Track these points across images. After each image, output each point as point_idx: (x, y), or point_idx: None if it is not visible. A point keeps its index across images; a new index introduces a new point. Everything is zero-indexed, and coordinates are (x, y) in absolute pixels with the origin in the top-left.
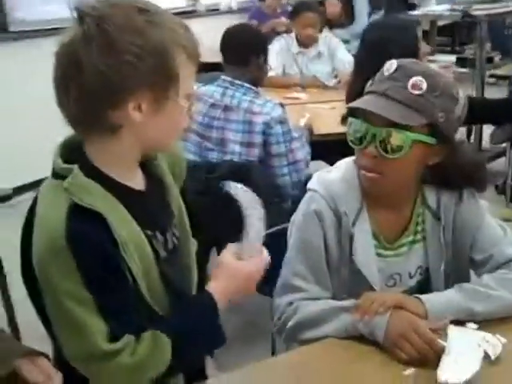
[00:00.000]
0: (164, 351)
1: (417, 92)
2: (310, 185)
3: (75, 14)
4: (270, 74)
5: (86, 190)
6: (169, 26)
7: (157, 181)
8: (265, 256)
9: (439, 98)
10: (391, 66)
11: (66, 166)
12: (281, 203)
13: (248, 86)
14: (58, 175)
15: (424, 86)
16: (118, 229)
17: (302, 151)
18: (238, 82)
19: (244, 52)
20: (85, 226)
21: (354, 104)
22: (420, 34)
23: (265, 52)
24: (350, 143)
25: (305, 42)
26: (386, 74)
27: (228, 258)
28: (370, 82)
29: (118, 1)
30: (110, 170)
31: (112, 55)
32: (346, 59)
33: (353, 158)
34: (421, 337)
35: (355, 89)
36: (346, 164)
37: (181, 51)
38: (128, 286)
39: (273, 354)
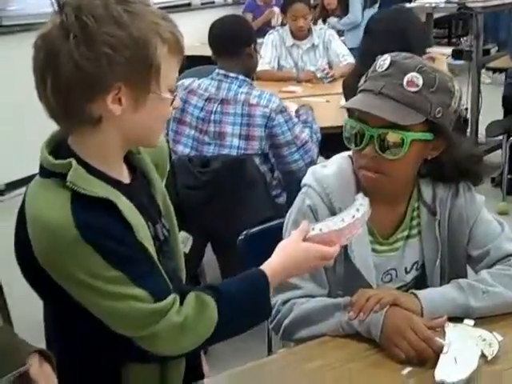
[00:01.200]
0: (209, 313)
1: (413, 89)
2: (304, 180)
3: (55, 4)
4: (265, 67)
5: (88, 181)
6: (149, 18)
7: (141, 174)
8: (330, 249)
9: (435, 94)
10: (384, 62)
11: (61, 161)
12: (276, 198)
13: (242, 77)
14: (50, 173)
15: (420, 82)
16: (127, 214)
17: (306, 132)
18: (232, 74)
19: (235, 43)
20: (92, 213)
21: (349, 104)
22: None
23: (255, 40)
24: (347, 143)
25: (297, 34)
26: (380, 70)
27: (294, 236)
28: (363, 78)
29: None
30: (97, 163)
31: (89, 47)
32: (340, 51)
33: (348, 152)
34: (418, 334)
35: (357, 80)
36: (340, 159)
37: (162, 43)
38: (151, 255)
39: (269, 351)
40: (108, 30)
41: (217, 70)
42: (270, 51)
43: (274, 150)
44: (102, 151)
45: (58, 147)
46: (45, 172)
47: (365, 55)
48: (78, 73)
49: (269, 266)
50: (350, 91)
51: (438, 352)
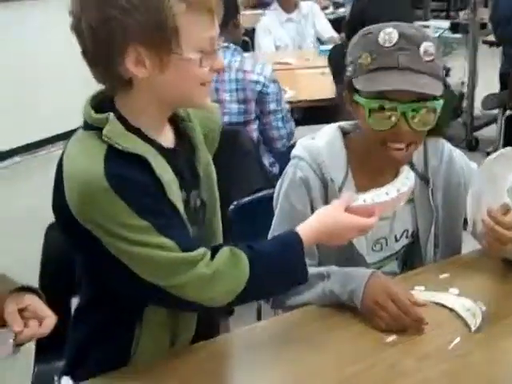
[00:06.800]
0: (241, 268)
1: (429, 58)
2: (294, 152)
3: None
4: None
5: (124, 136)
6: None
7: (187, 141)
8: (369, 221)
9: (439, 58)
10: (390, 35)
11: (100, 115)
12: (270, 166)
13: (234, 47)
14: (90, 126)
15: (433, 50)
16: (159, 171)
17: (287, 104)
18: (222, 43)
19: (223, 16)
20: (124, 167)
21: (385, 86)
22: None
23: (238, 10)
24: (375, 126)
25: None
26: (388, 44)
27: (336, 204)
28: (365, 55)
29: None
30: (138, 123)
31: (101, 10)
32: (325, 29)
33: (337, 123)
34: (396, 304)
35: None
36: (330, 130)
37: (178, 2)
38: (179, 213)
39: (258, 318)
40: None
41: None
42: (262, 38)
43: (261, 117)
44: (141, 112)
45: (101, 103)
46: (85, 125)
47: (351, 24)
48: (94, 37)
49: (305, 231)
50: (337, 62)
51: (417, 322)
